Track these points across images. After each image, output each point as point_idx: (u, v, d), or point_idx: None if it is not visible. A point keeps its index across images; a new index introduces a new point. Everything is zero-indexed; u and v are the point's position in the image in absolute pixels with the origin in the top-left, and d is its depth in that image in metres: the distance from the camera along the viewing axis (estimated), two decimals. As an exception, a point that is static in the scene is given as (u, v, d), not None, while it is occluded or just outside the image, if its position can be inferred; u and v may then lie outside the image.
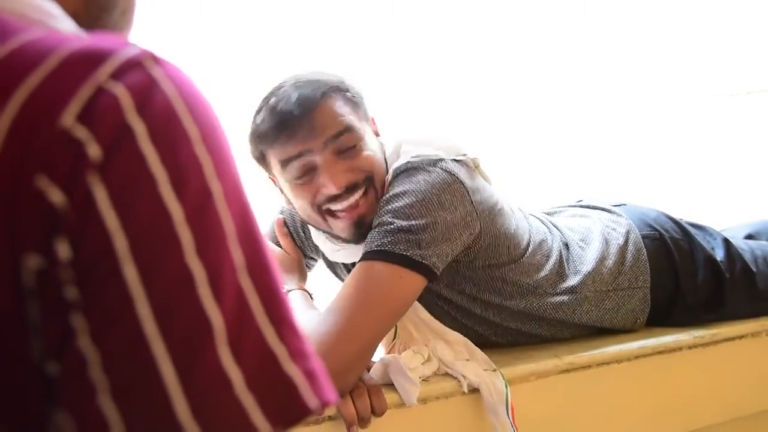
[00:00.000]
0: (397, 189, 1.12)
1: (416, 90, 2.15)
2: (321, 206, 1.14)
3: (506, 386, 1.10)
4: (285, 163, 1.13)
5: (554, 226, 1.36)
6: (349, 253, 1.23)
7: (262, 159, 1.17)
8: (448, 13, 2.19)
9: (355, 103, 1.17)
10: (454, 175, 1.13)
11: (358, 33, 2.09)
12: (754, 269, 1.42)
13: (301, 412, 0.40)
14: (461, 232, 1.12)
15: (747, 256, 1.43)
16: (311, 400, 0.40)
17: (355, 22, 2.09)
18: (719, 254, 1.41)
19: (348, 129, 1.12)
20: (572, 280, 1.27)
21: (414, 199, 1.09)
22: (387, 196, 1.13)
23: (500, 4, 2.27)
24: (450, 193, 1.11)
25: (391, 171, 1.17)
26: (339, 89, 1.15)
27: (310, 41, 2.00)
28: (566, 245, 1.32)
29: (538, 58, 2.31)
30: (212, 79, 1.82)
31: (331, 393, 0.41)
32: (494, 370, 1.12)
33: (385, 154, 1.21)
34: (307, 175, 1.12)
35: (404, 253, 1.06)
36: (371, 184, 1.15)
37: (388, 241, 1.07)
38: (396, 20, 2.14)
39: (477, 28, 2.24)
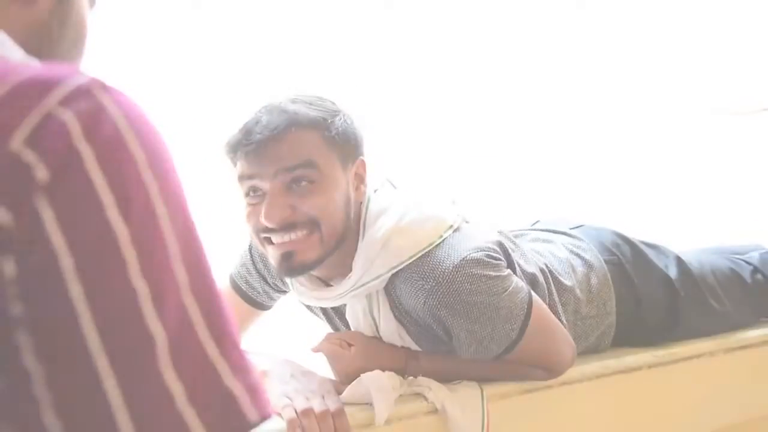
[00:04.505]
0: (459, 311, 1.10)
1: (400, 92, 2.16)
2: (259, 233, 1.11)
3: (484, 411, 1.12)
4: (239, 179, 1.11)
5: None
6: (306, 292, 1.21)
7: (234, 167, 1.15)
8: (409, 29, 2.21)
9: (334, 143, 1.10)
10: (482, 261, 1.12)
11: (353, 32, 2.10)
12: (703, 286, 1.45)
13: (241, 425, 0.41)
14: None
15: (696, 272, 1.47)
16: (251, 413, 0.42)
17: (351, 21, 2.10)
18: (672, 272, 1.44)
19: (305, 165, 1.07)
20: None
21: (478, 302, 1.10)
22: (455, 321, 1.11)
23: (470, 26, 2.30)
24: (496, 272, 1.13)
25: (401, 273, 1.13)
26: (318, 125, 1.09)
27: (307, 40, 2.00)
28: (541, 270, 1.31)
29: (509, 73, 2.33)
30: (208, 76, 1.83)
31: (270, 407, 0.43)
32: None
33: (350, 202, 1.14)
34: (255, 197, 1.10)
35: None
36: (317, 228, 1.09)
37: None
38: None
39: (457, 41, 2.27)
